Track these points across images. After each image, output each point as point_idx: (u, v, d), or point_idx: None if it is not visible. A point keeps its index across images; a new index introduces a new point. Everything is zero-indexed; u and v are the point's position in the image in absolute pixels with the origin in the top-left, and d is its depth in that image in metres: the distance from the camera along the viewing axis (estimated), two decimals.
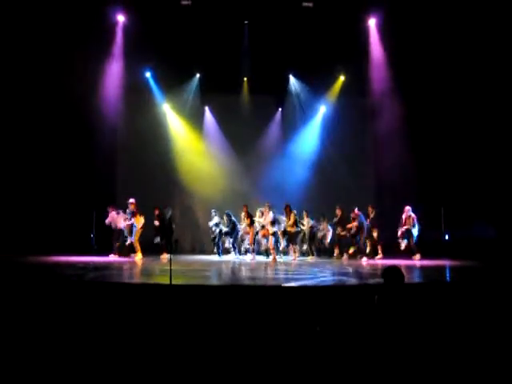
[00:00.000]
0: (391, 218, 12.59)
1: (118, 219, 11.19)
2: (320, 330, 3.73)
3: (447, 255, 11.39)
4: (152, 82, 13.97)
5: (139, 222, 10.97)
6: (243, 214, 11.56)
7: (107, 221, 11.30)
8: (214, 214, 12.32)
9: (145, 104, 13.94)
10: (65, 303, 4.95)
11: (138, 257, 10.73)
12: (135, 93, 13.55)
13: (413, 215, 10.88)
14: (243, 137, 14.27)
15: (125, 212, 11.18)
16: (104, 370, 3.63)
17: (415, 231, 10.87)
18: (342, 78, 14.23)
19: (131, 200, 11.03)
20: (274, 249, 11.06)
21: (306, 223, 11.90)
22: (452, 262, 10.04)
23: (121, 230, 11.16)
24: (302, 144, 14.66)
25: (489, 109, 11.81)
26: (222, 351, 4.00)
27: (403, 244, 10.97)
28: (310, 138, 14.75)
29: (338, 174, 13.69)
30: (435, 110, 12.42)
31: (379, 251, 11.71)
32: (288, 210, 11.09)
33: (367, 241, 11.74)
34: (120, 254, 11.03)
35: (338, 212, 12.18)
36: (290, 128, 14.79)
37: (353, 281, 6.61)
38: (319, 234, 12.48)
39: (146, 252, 11.11)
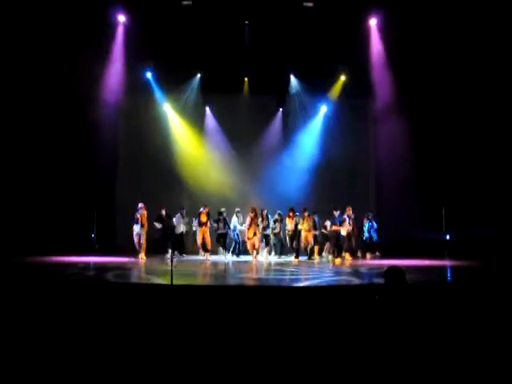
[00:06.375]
0: (391, 218, 12.60)
1: (179, 224, 11.91)
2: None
3: (449, 255, 11.40)
4: (153, 82, 13.96)
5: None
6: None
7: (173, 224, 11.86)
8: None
9: (146, 104, 13.93)
10: (65, 303, 4.95)
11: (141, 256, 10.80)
12: (136, 93, 13.53)
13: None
14: (244, 136, 14.25)
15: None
16: (104, 370, 3.64)
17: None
18: (342, 78, 14.22)
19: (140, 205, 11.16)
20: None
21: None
22: (453, 261, 10.03)
23: (181, 234, 11.92)
24: (302, 143, 14.64)
25: (490, 108, 11.81)
26: (223, 352, 4.00)
27: None
28: (310, 138, 14.72)
29: (338, 173, 13.68)
30: (436, 110, 12.41)
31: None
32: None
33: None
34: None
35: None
36: (291, 128, 14.75)
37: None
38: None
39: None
